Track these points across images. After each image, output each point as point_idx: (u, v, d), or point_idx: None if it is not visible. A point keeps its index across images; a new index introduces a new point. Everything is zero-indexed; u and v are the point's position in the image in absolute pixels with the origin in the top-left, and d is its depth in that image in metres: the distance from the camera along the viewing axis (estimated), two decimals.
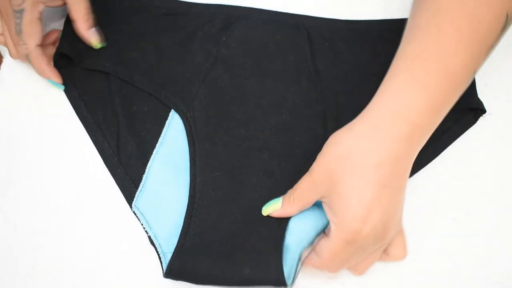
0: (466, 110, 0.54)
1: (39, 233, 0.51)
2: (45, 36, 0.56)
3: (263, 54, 0.55)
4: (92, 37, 0.54)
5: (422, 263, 0.51)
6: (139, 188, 0.51)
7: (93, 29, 0.54)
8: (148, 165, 0.52)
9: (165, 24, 0.57)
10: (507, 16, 0.46)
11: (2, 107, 0.56)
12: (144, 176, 0.51)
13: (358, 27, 0.58)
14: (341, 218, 0.43)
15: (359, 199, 0.42)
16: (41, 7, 0.52)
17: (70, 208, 0.52)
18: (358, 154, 0.43)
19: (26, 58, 0.53)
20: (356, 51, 0.56)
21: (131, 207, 0.50)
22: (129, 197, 0.51)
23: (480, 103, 0.54)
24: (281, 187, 0.49)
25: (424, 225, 0.52)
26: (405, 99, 0.43)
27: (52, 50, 0.55)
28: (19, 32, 0.51)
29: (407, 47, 0.46)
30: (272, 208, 0.48)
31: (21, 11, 0.50)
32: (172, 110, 0.54)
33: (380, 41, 0.56)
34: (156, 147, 0.52)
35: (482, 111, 0.54)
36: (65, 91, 0.55)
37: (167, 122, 0.53)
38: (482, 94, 0.55)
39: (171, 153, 0.52)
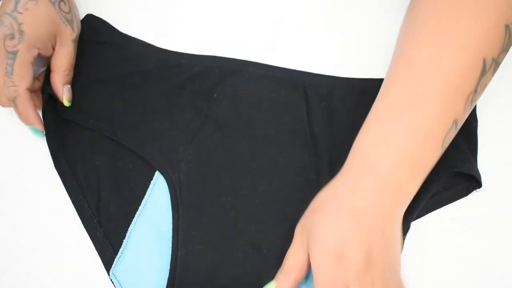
0: (461, 178, 0.51)
1: (39, 233, 0.51)
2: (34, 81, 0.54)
3: (256, 114, 0.52)
4: (66, 94, 0.52)
5: (422, 263, 0.51)
6: (118, 254, 0.49)
7: (68, 86, 0.53)
8: (129, 229, 0.49)
9: (153, 76, 0.54)
10: (484, 61, 0.44)
11: (2, 107, 0.56)
12: (124, 241, 0.49)
13: (357, 86, 0.54)
14: (318, 261, 0.42)
15: (331, 233, 0.42)
16: (35, 51, 0.50)
17: (70, 208, 0.52)
18: (332, 201, 0.44)
19: (11, 102, 0.51)
20: (354, 112, 0.51)
21: (108, 273, 0.48)
22: (108, 262, 0.49)
23: (479, 176, 0.50)
24: (269, 263, 0.47)
25: (424, 225, 0.52)
26: (371, 157, 0.44)
27: (38, 97, 0.54)
28: (10, 73, 0.49)
29: (379, 103, 0.46)
30: None
31: (14, 53, 0.49)
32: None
33: None
34: (139, 209, 0.50)
35: (478, 184, 0.51)
36: (47, 141, 0.53)
37: (152, 182, 0.51)
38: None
39: (154, 216, 0.50)
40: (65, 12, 0.52)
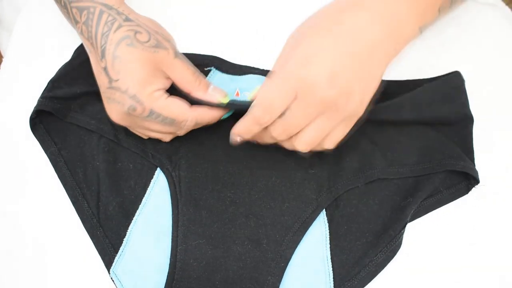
0: (460, 177, 0.52)
1: (39, 233, 0.51)
2: None
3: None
4: (215, 95, 0.48)
5: (422, 263, 0.51)
6: (119, 253, 0.49)
7: (211, 87, 0.48)
8: (130, 227, 0.50)
9: None
10: None
11: (2, 107, 0.56)
12: (125, 240, 0.49)
13: None
14: (314, 79, 0.42)
15: (310, 42, 0.42)
16: (159, 90, 0.46)
17: (70, 208, 0.52)
18: (331, 17, 0.44)
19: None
20: None
21: (109, 272, 0.49)
22: (108, 261, 0.49)
23: (475, 172, 0.51)
24: (268, 257, 0.48)
25: (424, 225, 0.52)
26: None
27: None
28: (171, 122, 0.46)
29: None
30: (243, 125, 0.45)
31: (152, 112, 0.46)
32: (158, 169, 0.51)
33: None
34: (139, 208, 0.50)
35: (476, 181, 0.52)
36: (43, 146, 0.53)
37: (152, 181, 0.51)
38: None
39: (155, 215, 0.50)
40: (145, 42, 0.45)
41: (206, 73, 0.55)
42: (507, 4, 0.65)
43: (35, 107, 0.52)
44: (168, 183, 0.50)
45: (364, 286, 0.49)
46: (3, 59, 0.59)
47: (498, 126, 0.56)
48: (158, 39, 0.46)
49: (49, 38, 0.58)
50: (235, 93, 0.55)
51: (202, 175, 0.50)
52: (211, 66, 0.56)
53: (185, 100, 0.47)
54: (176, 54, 0.46)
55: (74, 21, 0.48)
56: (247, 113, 0.44)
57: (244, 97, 0.52)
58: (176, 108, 0.46)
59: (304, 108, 0.43)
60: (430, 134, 0.52)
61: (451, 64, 0.57)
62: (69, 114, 0.52)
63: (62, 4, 0.49)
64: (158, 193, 0.51)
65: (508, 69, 0.59)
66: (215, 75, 0.55)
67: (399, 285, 0.50)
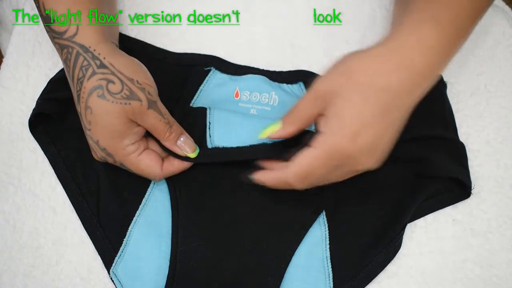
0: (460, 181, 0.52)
1: (39, 233, 0.51)
2: None
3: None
4: (184, 149, 0.48)
5: (422, 263, 0.51)
6: (119, 253, 0.49)
7: (182, 139, 0.48)
8: (130, 228, 0.50)
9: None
10: None
11: (2, 107, 0.56)
12: (125, 240, 0.49)
13: None
14: (331, 129, 0.42)
15: (355, 114, 0.41)
16: (128, 140, 0.46)
17: (70, 208, 0.52)
18: (367, 74, 0.42)
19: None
20: None
21: (109, 272, 0.49)
22: (108, 261, 0.49)
23: (469, 181, 0.52)
24: (268, 258, 0.48)
25: (424, 225, 0.52)
26: (421, 34, 0.43)
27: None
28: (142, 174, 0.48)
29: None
30: (271, 130, 0.45)
31: (122, 164, 0.47)
32: None
33: None
34: (139, 208, 0.50)
35: (468, 192, 0.52)
36: (43, 147, 0.53)
37: (152, 181, 0.51)
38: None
39: (155, 216, 0.50)
40: (117, 93, 0.45)
41: (206, 73, 0.56)
42: (507, 4, 0.64)
43: (33, 110, 0.52)
44: (168, 185, 0.51)
45: (364, 286, 0.49)
46: (3, 59, 0.59)
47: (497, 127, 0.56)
48: (131, 89, 0.45)
49: (49, 38, 0.58)
50: (235, 93, 0.55)
51: (202, 177, 0.50)
52: (211, 66, 0.56)
53: (158, 157, 0.48)
54: (150, 104, 0.45)
55: (59, 55, 0.48)
56: (279, 173, 0.45)
57: (234, 121, 0.51)
58: (145, 167, 0.47)
59: (328, 165, 0.43)
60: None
61: (451, 64, 0.57)
62: (68, 116, 0.52)
63: (49, 36, 0.48)
64: (158, 194, 0.51)
65: (508, 69, 0.59)
66: (215, 75, 0.55)
67: (399, 286, 0.50)
